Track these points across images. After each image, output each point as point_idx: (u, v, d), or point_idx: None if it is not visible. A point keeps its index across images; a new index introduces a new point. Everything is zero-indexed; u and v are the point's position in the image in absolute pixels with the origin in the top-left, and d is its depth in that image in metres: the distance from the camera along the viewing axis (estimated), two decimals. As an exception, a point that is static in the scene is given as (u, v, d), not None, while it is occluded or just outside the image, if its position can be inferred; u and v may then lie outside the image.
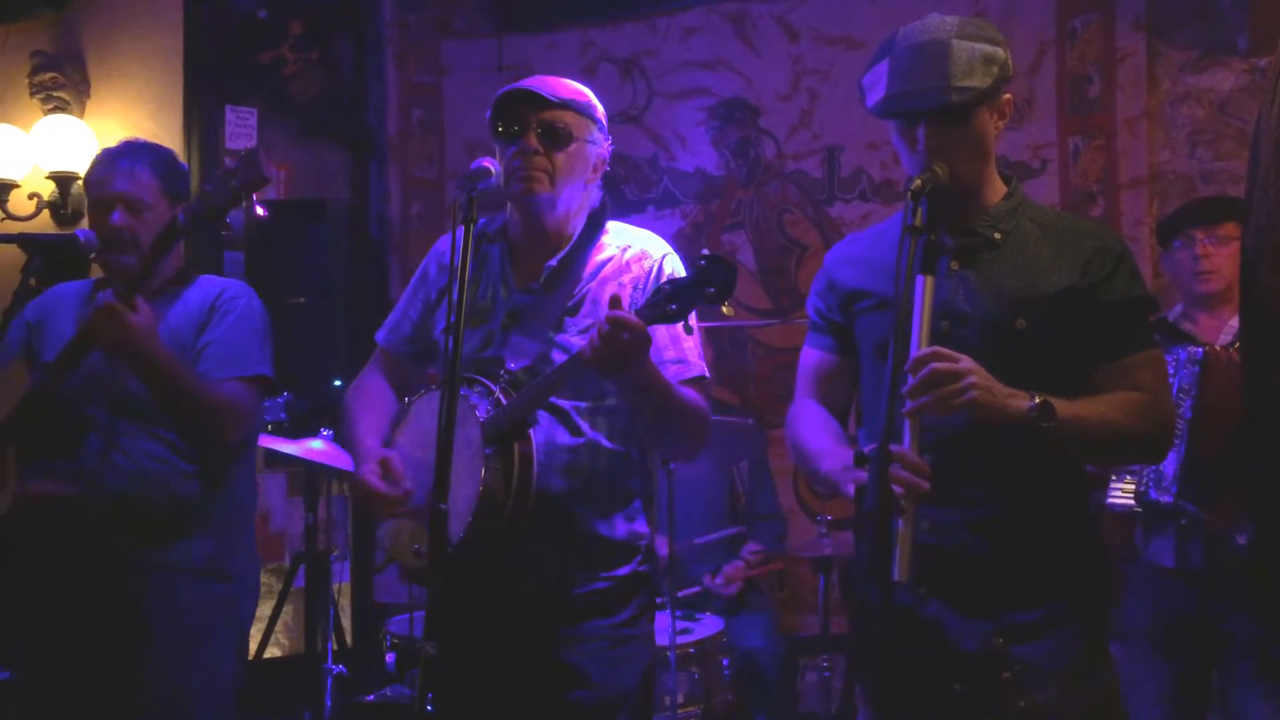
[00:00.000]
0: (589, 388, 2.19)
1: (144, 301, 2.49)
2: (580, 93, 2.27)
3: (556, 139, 2.20)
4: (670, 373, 2.18)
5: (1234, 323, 3.09)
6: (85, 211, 4.54)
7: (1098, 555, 2.14)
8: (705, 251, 1.92)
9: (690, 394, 2.19)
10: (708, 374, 2.26)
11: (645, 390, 2.09)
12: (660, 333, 2.18)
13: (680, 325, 2.01)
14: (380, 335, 2.46)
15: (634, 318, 1.94)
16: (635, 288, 2.22)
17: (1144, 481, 3.02)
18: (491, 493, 2.07)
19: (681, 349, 2.22)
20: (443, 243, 2.40)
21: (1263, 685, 2.98)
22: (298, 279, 4.35)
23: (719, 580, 4.16)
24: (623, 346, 1.94)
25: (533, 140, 2.19)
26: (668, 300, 1.95)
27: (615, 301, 1.98)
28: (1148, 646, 3.08)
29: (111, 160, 2.67)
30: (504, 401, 2.14)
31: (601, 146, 2.29)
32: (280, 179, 4.84)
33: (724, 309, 1.94)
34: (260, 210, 2.40)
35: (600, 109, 2.30)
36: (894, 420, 1.82)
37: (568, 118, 2.22)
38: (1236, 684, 3.07)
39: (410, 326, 2.41)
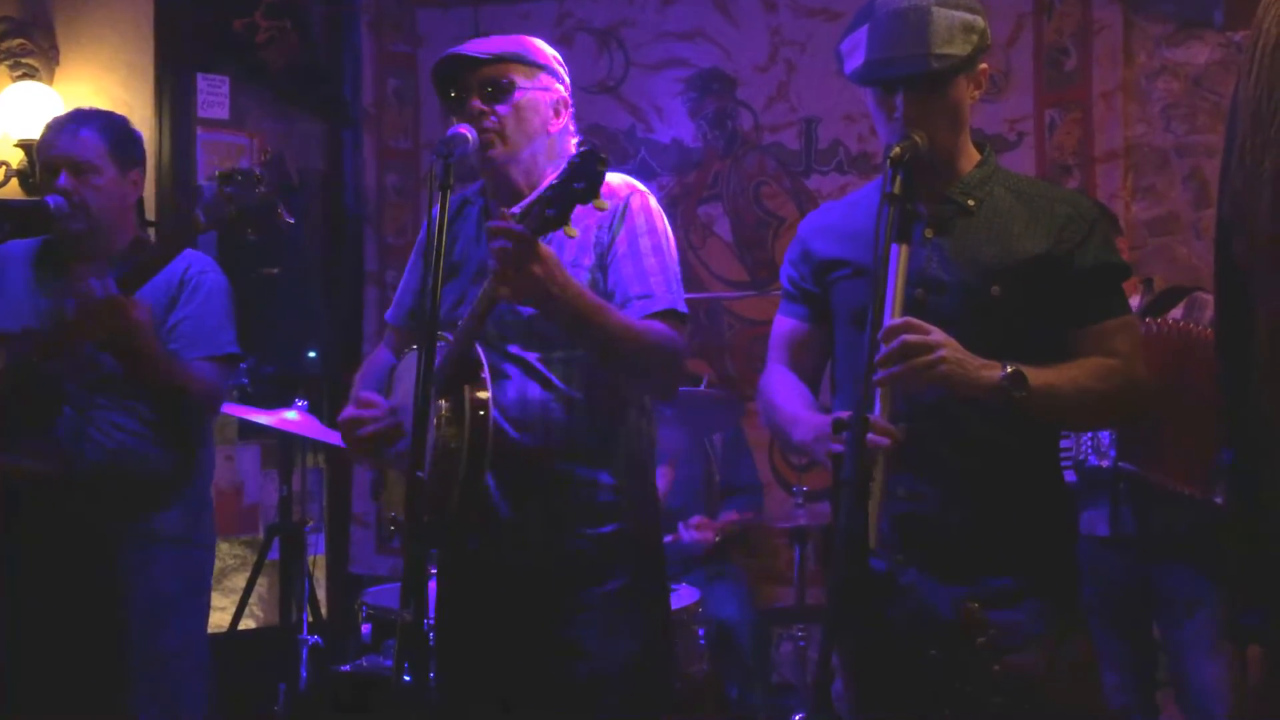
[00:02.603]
0: (555, 337, 2.14)
1: (138, 297, 2.48)
2: (516, 42, 2.24)
3: (500, 93, 2.18)
4: (635, 308, 2.12)
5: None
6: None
7: (1071, 525, 2.16)
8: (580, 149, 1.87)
9: (655, 326, 2.11)
10: (681, 307, 2.17)
11: (571, 314, 1.99)
12: (625, 268, 2.14)
13: (564, 231, 1.89)
14: (389, 313, 2.46)
15: (511, 223, 1.89)
16: (600, 227, 2.18)
17: (1081, 449, 3.05)
18: (445, 441, 2.03)
19: (648, 284, 2.14)
20: (434, 211, 2.40)
21: (1209, 644, 3.04)
22: (272, 250, 4.34)
23: (693, 522, 4.14)
24: (508, 257, 1.89)
25: (477, 102, 2.17)
26: (544, 206, 1.87)
27: (500, 213, 1.94)
28: (1093, 621, 3.13)
29: (58, 125, 2.67)
30: None
31: (554, 89, 2.25)
32: (253, 148, 4.80)
33: (596, 204, 1.86)
34: (289, 218, 2.47)
35: (546, 52, 2.26)
36: (869, 388, 1.83)
37: (508, 70, 2.19)
38: (1183, 645, 3.12)
39: (411, 298, 2.39)
